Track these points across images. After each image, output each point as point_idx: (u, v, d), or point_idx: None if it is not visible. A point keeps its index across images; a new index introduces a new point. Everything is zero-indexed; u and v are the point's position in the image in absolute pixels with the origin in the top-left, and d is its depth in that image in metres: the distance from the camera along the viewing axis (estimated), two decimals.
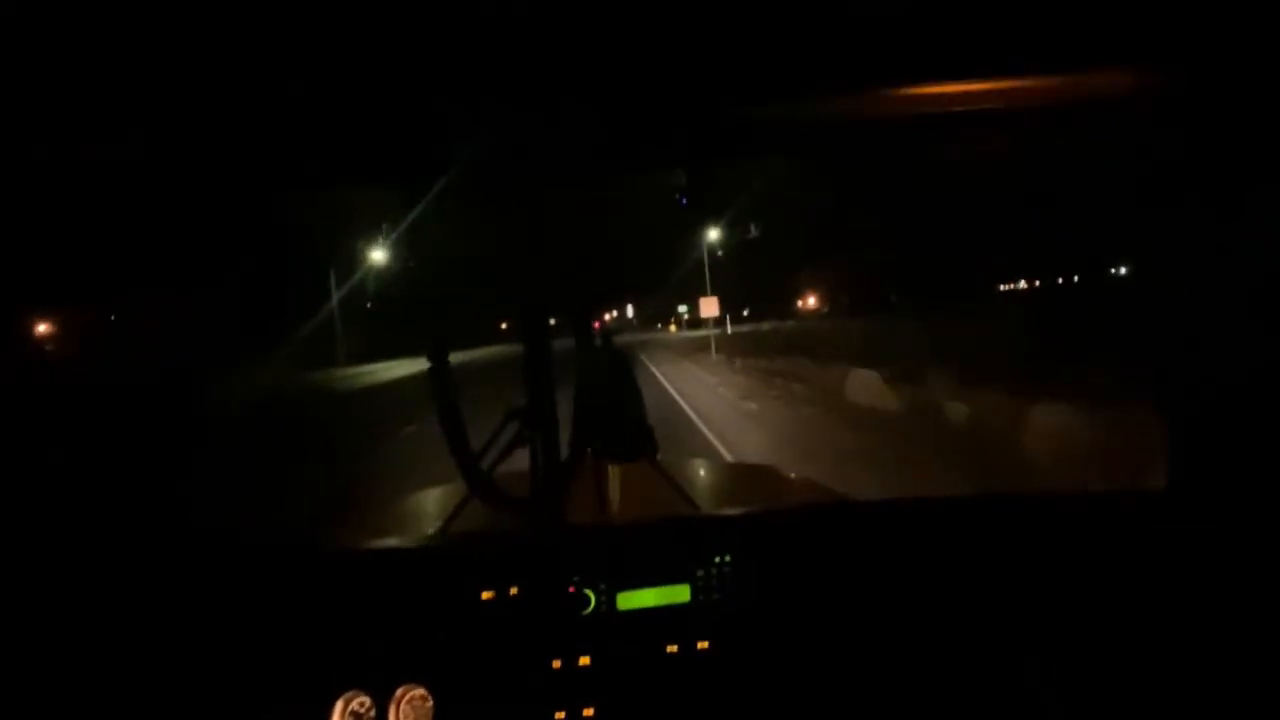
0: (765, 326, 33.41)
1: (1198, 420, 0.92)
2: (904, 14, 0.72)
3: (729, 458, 6.80)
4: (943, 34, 0.74)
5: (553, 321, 1.18)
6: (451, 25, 0.70)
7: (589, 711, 0.92)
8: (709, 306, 22.97)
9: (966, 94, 0.79)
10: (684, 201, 0.99)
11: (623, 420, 1.20)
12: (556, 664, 0.94)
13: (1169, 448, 0.95)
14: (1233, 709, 0.86)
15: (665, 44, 0.74)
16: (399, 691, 0.94)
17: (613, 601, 0.97)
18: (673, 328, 51.04)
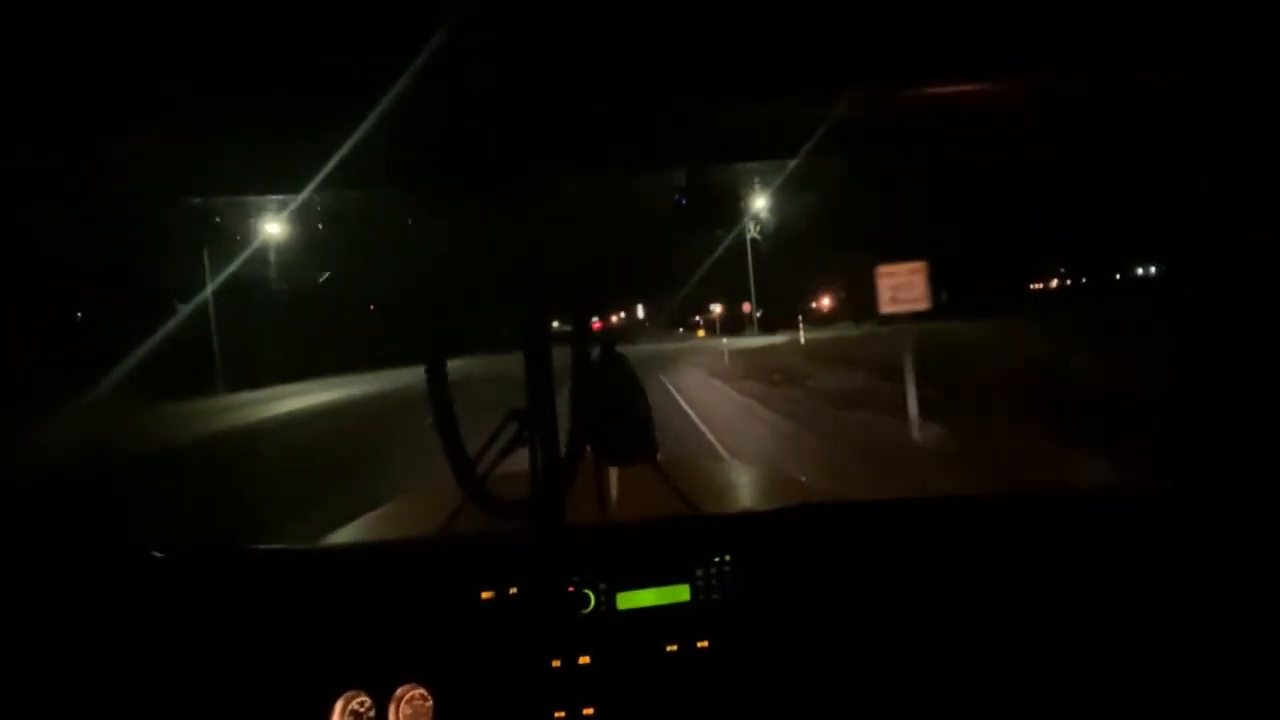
0: (853, 332, 21.61)
1: (1198, 420, 0.92)
2: (904, 14, 0.72)
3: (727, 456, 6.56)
4: (943, 34, 0.74)
5: (556, 324, 1.17)
6: (451, 26, 0.70)
7: (589, 711, 0.92)
8: (899, 287, 7.63)
9: (966, 94, 0.79)
10: (683, 202, 0.99)
11: (623, 422, 1.20)
12: (556, 663, 0.94)
13: (1169, 448, 0.95)
14: (1233, 709, 0.86)
15: (665, 44, 0.74)
16: (399, 691, 0.94)
17: (612, 601, 0.97)
18: (701, 333, 38.67)
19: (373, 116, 0.78)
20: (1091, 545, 0.98)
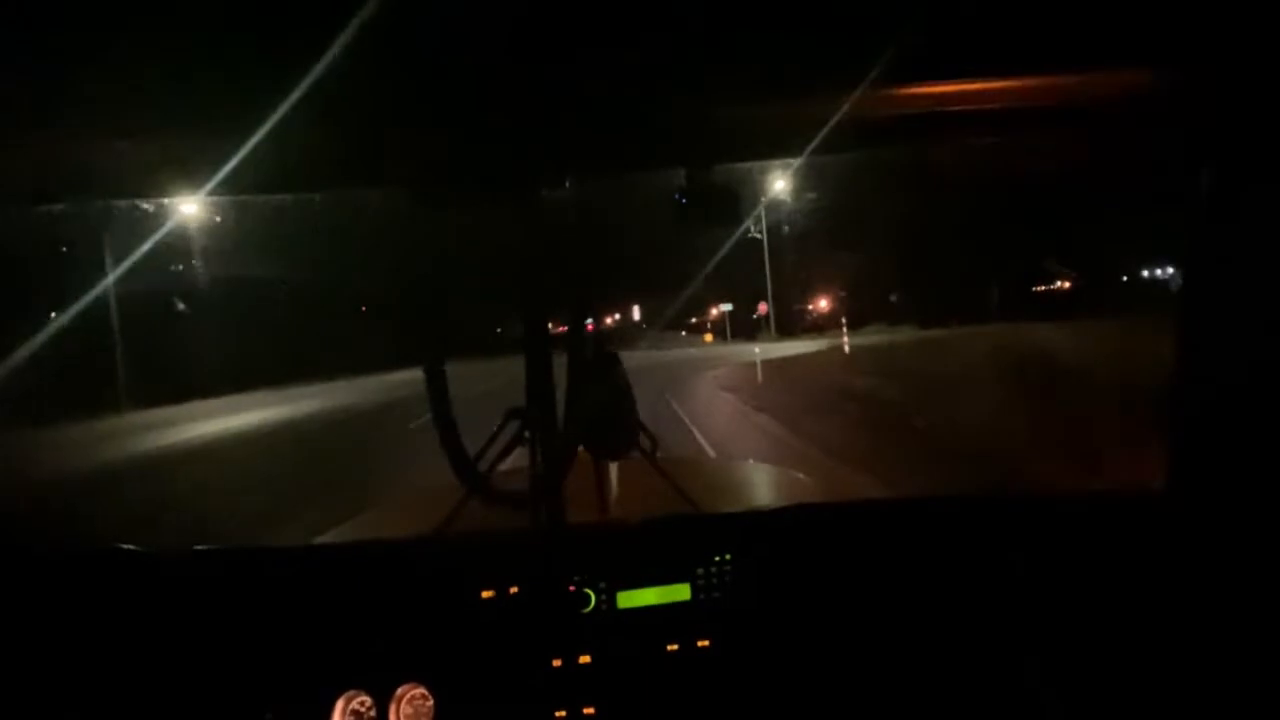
0: (899, 336, 18.69)
1: (1198, 420, 0.92)
2: (904, 14, 0.72)
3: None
4: (943, 34, 0.74)
5: (551, 327, 1.18)
6: (450, 26, 0.70)
7: (589, 710, 0.92)
8: None
9: (966, 94, 0.79)
10: (684, 201, 0.99)
11: (614, 418, 1.20)
12: (557, 663, 0.94)
13: (1169, 448, 0.95)
14: (1233, 709, 0.86)
15: (665, 44, 0.74)
16: (399, 691, 0.94)
17: (613, 600, 0.97)
18: (709, 337, 34.91)
19: (372, 115, 0.78)
20: (1092, 545, 0.98)
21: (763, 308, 28.10)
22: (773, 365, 14.98)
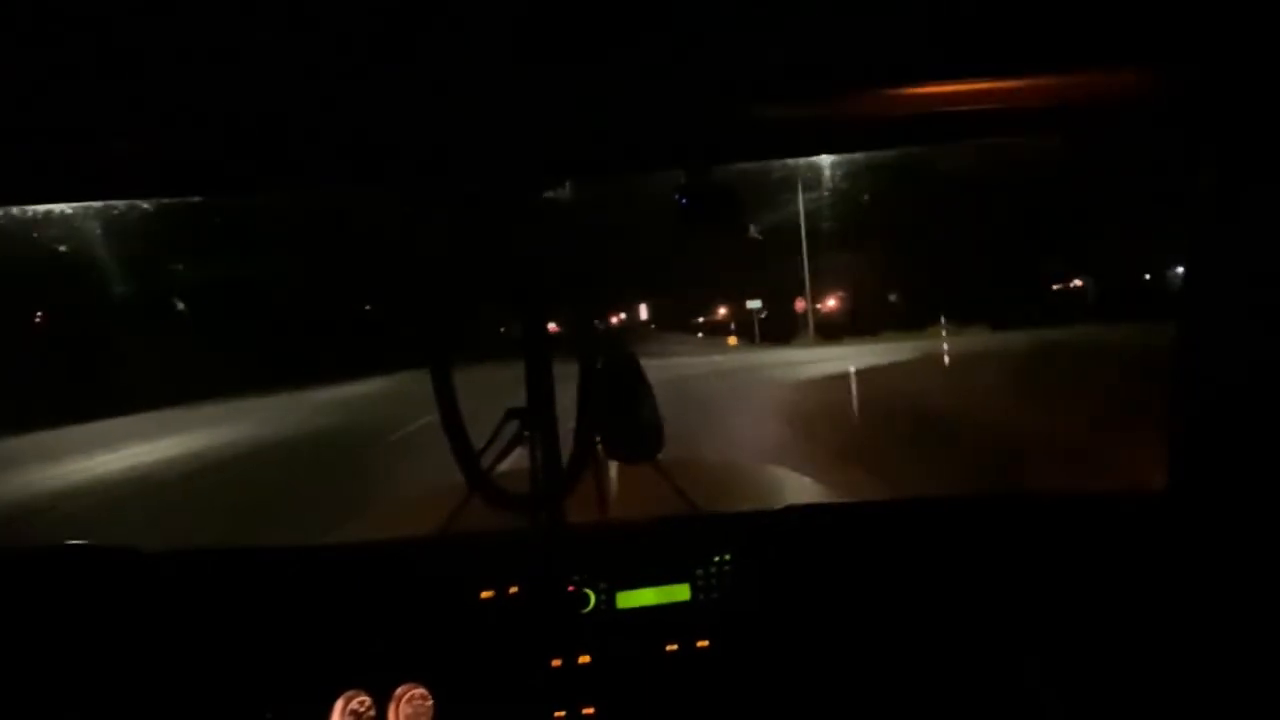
0: (993, 339, 14.82)
1: (1198, 420, 0.92)
2: (904, 14, 0.72)
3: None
4: (944, 34, 0.74)
5: (553, 327, 1.17)
6: (451, 25, 0.70)
7: (589, 710, 0.92)
8: None
9: (967, 94, 0.79)
10: (684, 202, 0.99)
11: (634, 418, 1.19)
12: (556, 663, 0.94)
13: (1169, 448, 0.95)
14: (1232, 709, 0.86)
15: (665, 44, 0.74)
16: (399, 690, 0.94)
17: (612, 600, 0.97)
18: (732, 340, 27.59)
19: (371, 115, 0.77)
20: (1091, 545, 0.99)
21: (799, 305, 23.54)
22: (867, 377, 10.52)
